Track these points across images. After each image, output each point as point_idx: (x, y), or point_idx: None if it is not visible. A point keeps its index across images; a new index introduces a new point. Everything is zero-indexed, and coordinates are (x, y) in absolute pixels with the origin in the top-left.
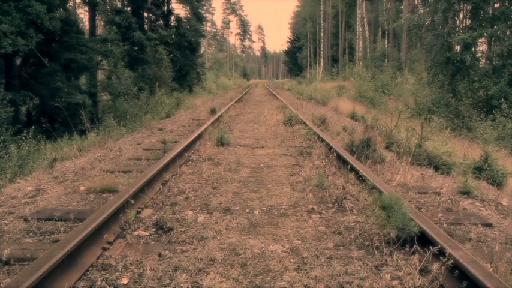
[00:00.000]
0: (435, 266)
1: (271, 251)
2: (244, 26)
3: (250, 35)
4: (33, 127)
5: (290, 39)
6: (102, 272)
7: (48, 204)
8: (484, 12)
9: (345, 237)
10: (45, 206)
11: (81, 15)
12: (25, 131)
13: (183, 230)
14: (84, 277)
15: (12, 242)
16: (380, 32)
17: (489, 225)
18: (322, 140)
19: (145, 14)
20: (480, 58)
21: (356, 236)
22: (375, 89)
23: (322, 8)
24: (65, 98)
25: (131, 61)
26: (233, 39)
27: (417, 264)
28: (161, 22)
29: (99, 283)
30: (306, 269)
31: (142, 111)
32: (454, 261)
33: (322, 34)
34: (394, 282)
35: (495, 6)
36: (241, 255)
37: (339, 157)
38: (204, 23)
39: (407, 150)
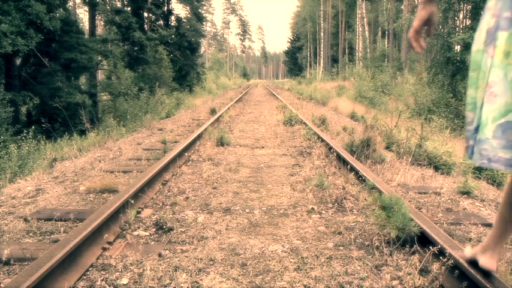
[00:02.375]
0: (435, 266)
1: (271, 251)
2: (244, 26)
3: (250, 35)
4: (33, 127)
5: (290, 39)
6: (102, 272)
7: (48, 204)
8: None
9: (345, 237)
10: (45, 206)
11: (81, 15)
12: (25, 131)
13: (183, 230)
14: (84, 277)
15: (12, 242)
16: (380, 32)
17: (489, 225)
18: (322, 140)
19: (145, 14)
20: None
21: (356, 236)
22: (375, 89)
23: (322, 8)
24: (65, 98)
25: (131, 61)
26: (233, 39)
27: (417, 264)
28: (161, 22)
29: (99, 283)
30: (306, 269)
31: (143, 111)
32: (454, 261)
33: (322, 34)
34: (394, 282)
35: None
36: (241, 255)
37: (339, 157)
38: (204, 23)
39: (407, 150)
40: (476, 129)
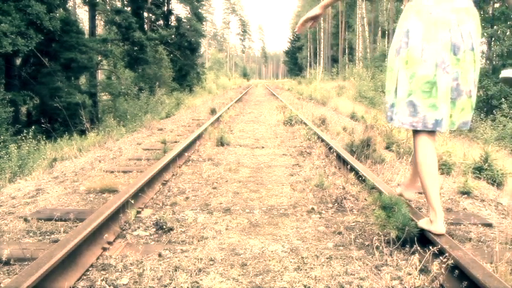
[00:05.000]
0: (435, 266)
1: (271, 251)
2: (244, 26)
3: (250, 35)
4: (33, 127)
5: (290, 39)
6: (102, 272)
7: (48, 204)
8: (484, 12)
9: (345, 237)
10: (45, 206)
11: (81, 15)
12: (25, 131)
13: (183, 230)
14: (84, 277)
15: (12, 242)
16: (380, 32)
17: (489, 225)
18: (322, 140)
19: (145, 14)
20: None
21: (356, 236)
22: (375, 89)
23: None
24: (65, 98)
25: (131, 61)
26: (233, 39)
27: (417, 264)
28: (161, 22)
29: (99, 283)
30: (306, 269)
31: (143, 111)
32: (454, 261)
33: (322, 34)
34: (394, 282)
35: (495, 6)
36: (241, 255)
37: (339, 157)
38: (204, 23)
39: (407, 150)
40: (392, 105)
